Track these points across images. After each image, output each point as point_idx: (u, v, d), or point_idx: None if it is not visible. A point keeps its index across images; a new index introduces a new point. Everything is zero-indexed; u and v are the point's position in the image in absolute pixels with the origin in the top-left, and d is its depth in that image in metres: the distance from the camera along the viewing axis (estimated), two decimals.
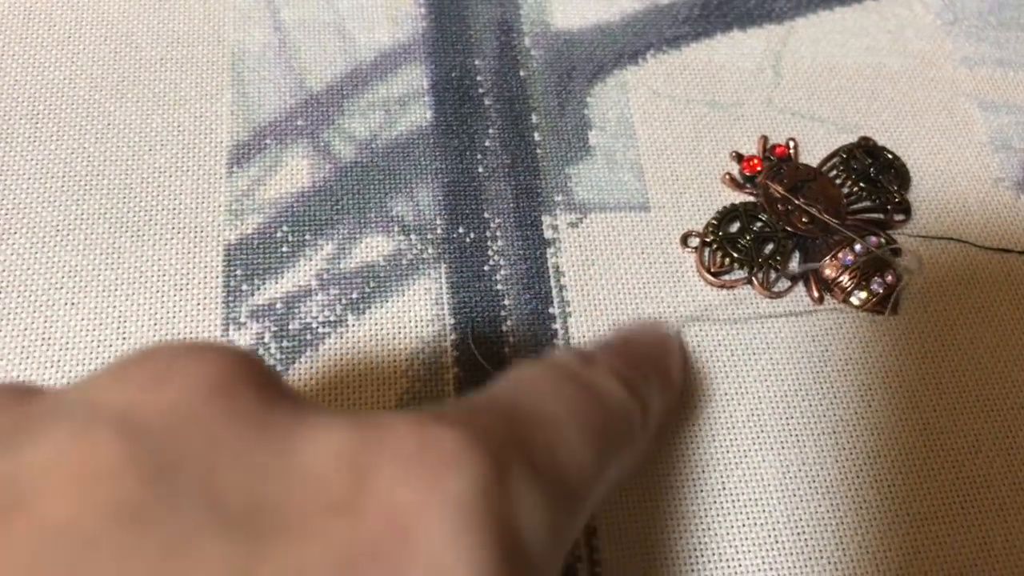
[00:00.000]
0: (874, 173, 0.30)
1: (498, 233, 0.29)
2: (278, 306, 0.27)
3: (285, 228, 0.28)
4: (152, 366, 0.13)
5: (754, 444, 0.26)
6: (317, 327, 0.26)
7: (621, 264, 0.28)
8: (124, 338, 0.26)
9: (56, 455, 0.11)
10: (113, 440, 0.11)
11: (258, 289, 0.27)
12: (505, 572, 0.11)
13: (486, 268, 0.28)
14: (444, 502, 0.11)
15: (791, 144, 0.30)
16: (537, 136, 0.30)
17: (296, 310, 0.27)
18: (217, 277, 0.27)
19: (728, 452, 0.26)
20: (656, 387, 0.20)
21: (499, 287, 0.28)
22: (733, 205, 0.29)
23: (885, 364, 0.27)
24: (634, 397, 0.18)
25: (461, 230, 0.28)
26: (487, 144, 0.30)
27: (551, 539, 0.13)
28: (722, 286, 0.28)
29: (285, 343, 0.26)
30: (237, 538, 0.11)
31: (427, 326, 0.27)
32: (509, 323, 0.27)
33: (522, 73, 0.32)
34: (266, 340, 0.26)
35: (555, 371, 0.17)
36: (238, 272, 0.27)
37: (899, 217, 0.29)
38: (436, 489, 0.11)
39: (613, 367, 0.18)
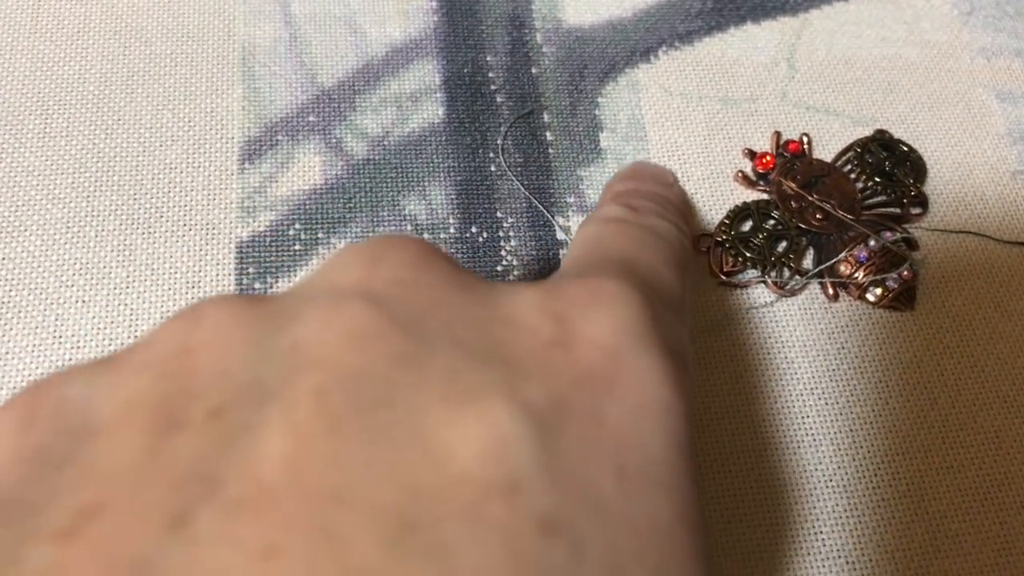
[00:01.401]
0: (889, 167, 0.29)
1: (511, 233, 0.28)
2: None
3: (298, 226, 0.28)
4: (364, 253, 0.14)
5: (770, 444, 0.26)
6: None
7: None
8: (136, 336, 0.26)
9: (325, 325, 0.13)
10: (366, 307, 0.13)
11: (271, 288, 0.27)
12: (678, 369, 0.14)
13: (499, 268, 0.28)
14: (626, 330, 0.14)
15: (804, 139, 0.30)
16: (549, 136, 0.30)
17: None
18: (229, 275, 0.27)
19: (744, 453, 0.25)
20: (676, 215, 0.23)
21: None
22: (745, 204, 0.29)
23: (902, 360, 0.27)
24: (676, 227, 0.21)
25: (474, 229, 0.28)
26: (499, 142, 0.30)
27: (683, 344, 0.16)
28: (735, 286, 0.27)
29: None
30: (492, 368, 0.12)
31: None
32: None
33: (534, 71, 0.31)
34: None
35: (618, 224, 0.20)
36: (250, 270, 0.27)
37: (916, 211, 0.29)
38: (617, 322, 0.14)
39: (655, 210, 0.21)
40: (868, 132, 0.30)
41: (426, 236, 0.28)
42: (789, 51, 0.33)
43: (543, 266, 0.28)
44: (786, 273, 0.27)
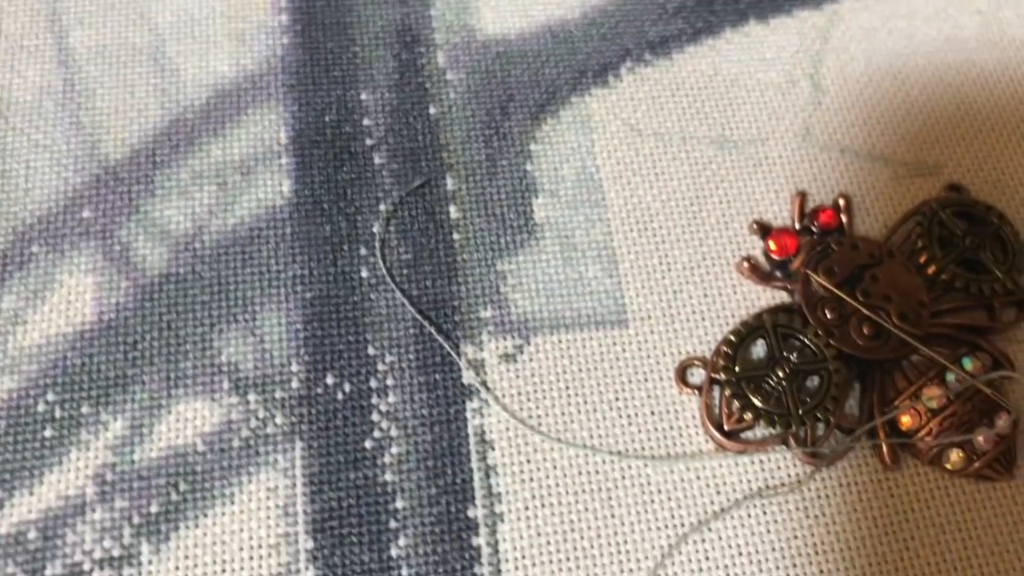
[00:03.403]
0: (971, 244, 0.20)
1: (388, 381, 0.19)
2: (31, 535, 0.17)
3: (51, 397, 0.18)
4: None
5: None
6: (91, 568, 0.16)
7: (584, 419, 0.18)
8: None
9: None
10: None
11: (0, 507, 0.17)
12: None
13: (368, 445, 0.18)
14: None
15: (842, 204, 0.20)
16: (454, 212, 0.20)
17: (59, 540, 0.17)
18: None
19: None
20: None
21: (388, 477, 0.18)
22: (757, 317, 0.19)
23: (1001, 554, 0.18)
24: None
25: (330, 380, 0.18)
26: (375, 230, 0.20)
27: None
28: (742, 450, 0.18)
29: None
30: None
31: (270, 556, 0.17)
32: (402, 541, 0.17)
33: (432, 111, 0.21)
34: None
35: None
36: None
37: (1009, 315, 0.21)
38: None
39: None
40: (935, 188, 0.20)
41: (252, 398, 0.18)
42: (812, 63, 0.22)
43: (438, 436, 0.18)
44: (820, 429, 0.17)
